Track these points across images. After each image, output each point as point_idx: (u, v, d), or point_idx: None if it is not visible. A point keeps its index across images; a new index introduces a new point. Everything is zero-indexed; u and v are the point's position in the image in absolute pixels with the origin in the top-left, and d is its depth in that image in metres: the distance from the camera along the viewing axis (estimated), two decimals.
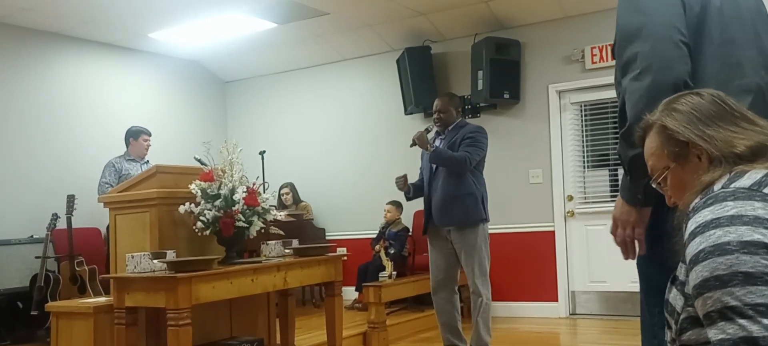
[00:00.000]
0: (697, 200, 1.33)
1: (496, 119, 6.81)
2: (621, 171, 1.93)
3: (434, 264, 4.60)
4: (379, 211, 7.06)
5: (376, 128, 7.62)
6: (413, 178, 4.75)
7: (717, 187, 1.32)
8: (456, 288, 4.63)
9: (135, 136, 6.30)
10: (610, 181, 6.45)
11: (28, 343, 5.53)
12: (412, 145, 4.57)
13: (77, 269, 5.75)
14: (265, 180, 6.68)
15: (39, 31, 6.66)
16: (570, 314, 6.54)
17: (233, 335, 4.32)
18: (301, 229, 6.69)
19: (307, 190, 7.78)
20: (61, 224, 5.93)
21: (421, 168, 4.78)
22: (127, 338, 3.66)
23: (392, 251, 6.60)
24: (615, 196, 1.98)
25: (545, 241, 6.60)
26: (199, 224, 3.86)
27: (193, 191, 3.90)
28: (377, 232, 7.03)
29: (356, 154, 7.73)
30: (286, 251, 4.45)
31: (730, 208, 1.25)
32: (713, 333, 1.20)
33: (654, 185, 1.52)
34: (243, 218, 3.94)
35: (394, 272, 6.12)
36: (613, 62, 1.98)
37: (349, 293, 6.90)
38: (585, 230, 6.45)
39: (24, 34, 6.58)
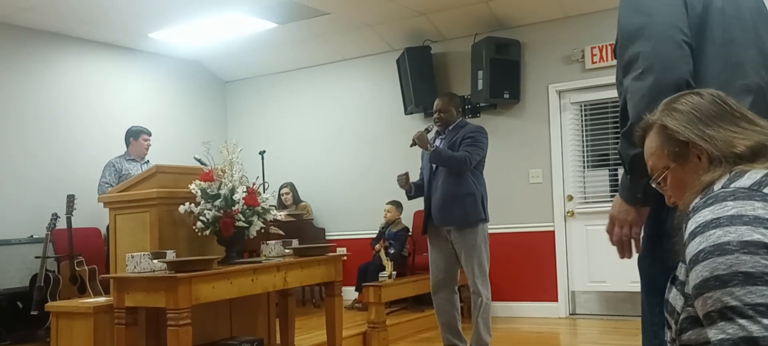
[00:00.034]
0: (697, 200, 1.33)
1: (496, 119, 6.81)
2: (621, 171, 1.93)
3: (434, 264, 4.60)
4: (379, 211, 7.06)
5: (376, 128, 7.62)
6: (414, 178, 4.75)
7: (717, 187, 1.32)
8: (456, 288, 4.63)
9: (135, 136, 6.30)
10: (610, 181, 6.45)
11: (28, 343, 5.53)
12: (412, 145, 4.57)
13: (77, 269, 5.75)
14: (265, 180, 6.68)
15: (39, 31, 6.66)
16: (570, 314, 6.54)
17: (233, 335, 4.32)
18: (301, 229, 6.69)
19: (307, 190, 7.78)
20: (61, 224, 5.93)
21: (421, 168, 4.78)
22: (127, 338, 3.66)
23: (392, 251, 6.60)
24: (615, 196, 1.97)
25: (545, 241, 6.60)
26: (199, 224, 3.86)
27: (193, 191, 3.90)
28: (377, 232, 7.03)
29: (356, 154, 7.73)
30: (286, 251, 4.45)
31: (730, 208, 1.25)
32: (713, 333, 1.20)
33: (654, 185, 1.52)
34: (243, 218, 3.94)
35: (394, 272, 6.12)
36: (614, 62, 1.98)
37: (349, 293, 6.90)
38: (585, 230, 6.45)
39: (24, 34, 6.58)
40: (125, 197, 4.08)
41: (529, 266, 6.66)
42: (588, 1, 6.25)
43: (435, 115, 4.64)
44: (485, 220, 4.47)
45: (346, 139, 7.81)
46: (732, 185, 1.30)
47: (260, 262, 4.07)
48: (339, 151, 7.84)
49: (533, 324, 6.29)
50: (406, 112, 7.22)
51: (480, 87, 6.64)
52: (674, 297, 1.40)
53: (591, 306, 6.54)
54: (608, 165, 6.52)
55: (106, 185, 5.90)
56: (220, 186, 3.94)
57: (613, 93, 6.12)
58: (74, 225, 5.93)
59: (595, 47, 6.38)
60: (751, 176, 1.30)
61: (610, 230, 1.91)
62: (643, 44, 1.76)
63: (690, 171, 1.42)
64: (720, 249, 1.21)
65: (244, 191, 3.97)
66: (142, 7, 6.24)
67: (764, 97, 1.85)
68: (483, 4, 6.42)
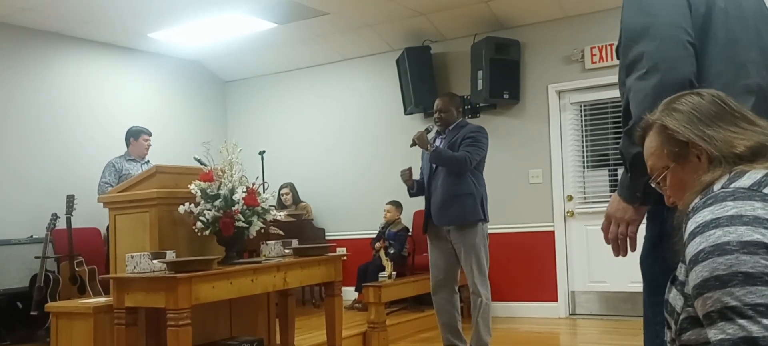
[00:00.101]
0: (696, 200, 1.33)
1: (495, 119, 6.81)
2: (621, 170, 1.93)
3: (434, 264, 4.60)
4: (379, 211, 7.06)
5: (376, 128, 7.62)
6: (416, 176, 4.75)
7: (717, 187, 1.32)
8: (456, 288, 4.63)
9: (135, 136, 6.30)
10: (610, 181, 6.46)
11: (28, 343, 5.52)
12: (412, 145, 4.57)
13: (77, 269, 5.75)
14: (265, 180, 6.68)
15: (39, 31, 6.66)
16: (570, 314, 6.54)
17: (233, 335, 4.32)
18: (300, 229, 6.69)
19: (307, 190, 7.78)
20: (61, 224, 5.93)
21: (421, 168, 4.78)
22: (127, 339, 3.66)
23: (392, 251, 6.60)
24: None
25: (545, 241, 6.60)
26: (198, 224, 3.86)
27: (192, 191, 3.90)
28: (377, 232, 7.03)
29: (356, 154, 7.73)
30: (286, 251, 4.45)
31: (730, 208, 1.25)
32: (713, 333, 1.20)
33: (653, 185, 1.52)
34: (243, 218, 3.94)
35: (394, 272, 6.12)
36: (613, 62, 1.99)
37: (349, 293, 6.89)
38: (585, 230, 6.45)
39: (24, 34, 6.58)
40: (125, 197, 4.08)
41: (528, 266, 6.66)
42: (588, 1, 6.25)
43: (435, 115, 4.64)
44: (485, 220, 4.47)
45: (346, 139, 7.81)
46: (732, 185, 1.30)
47: (260, 262, 4.07)
48: (339, 151, 7.84)
49: (533, 324, 6.29)
50: (406, 112, 7.22)
51: (480, 87, 6.64)
52: (674, 297, 1.40)
53: (591, 306, 6.54)
54: (608, 165, 6.52)
55: (106, 185, 5.90)
56: (219, 186, 3.94)
57: (612, 93, 6.12)
58: (74, 225, 5.93)
59: (594, 47, 6.38)
60: (750, 176, 1.30)
61: (605, 228, 1.91)
62: (647, 44, 1.77)
63: (690, 171, 1.42)
64: (720, 249, 1.21)
65: (243, 191, 3.97)
66: (142, 7, 6.24)
67: (766, 98, 1.85)
68: (483, 4, 6.42)
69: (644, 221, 1.92)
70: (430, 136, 4.64)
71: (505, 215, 6.53)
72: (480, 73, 6.63)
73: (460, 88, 6.79)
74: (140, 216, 3.99)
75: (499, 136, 6.53)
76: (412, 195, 4.76)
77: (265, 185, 6.02)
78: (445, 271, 4.55)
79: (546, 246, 6.59)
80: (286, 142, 8.09)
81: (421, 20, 6.82)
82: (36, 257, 5.76)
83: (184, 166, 4.43)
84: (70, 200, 5.97)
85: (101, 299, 4.37)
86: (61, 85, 6.85)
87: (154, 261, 3.68)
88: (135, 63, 7.56)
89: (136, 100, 7.51)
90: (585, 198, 6.57)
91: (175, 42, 7.33)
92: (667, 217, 1.55)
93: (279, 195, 7.61)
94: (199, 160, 5.20)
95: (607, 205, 1.93)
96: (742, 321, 1.16)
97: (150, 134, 6.37)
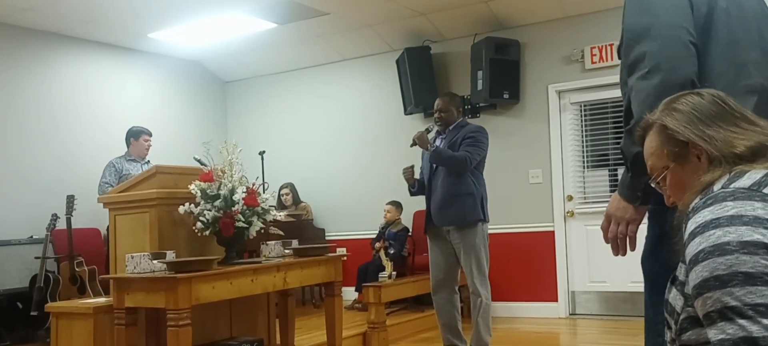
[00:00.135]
0: (696, 200, 1.33)
1: (495, 119, 6.81)
2: (621, 170, 1.93)
3: (434, 264, 4.60)
4: (379, 211, 7.06)
5: (376, 128, 7.61)
6: (417, 174, 4.75)
7: (717, 187, 1.32)
8: (456, 288, 4.63)
9: (135, 136, 6.30)
10: (610, 181, 6.46)
11: (28, 343, 5.52)
12: (412, 145, 4.57)
13: (77, 269, 5.75)
14: (265, 180, 6.68)
15: (39, 31, 6.66)
16: (570, 314, 6.54)
17: (233, 336, 4.32)
18: (300, 229, 6.69)
19: (307, 190, 7.78)
20: (61, 225, 5.93)
21: (421, 168, 4.78)
22: (127, 339, 3.66)
23: (392, 251, 6.60)
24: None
25: (545, 241, 6.60)
26: (198, 224, 3.86)
27: (192, 192, 3.90)
28: (377, 232, 7.03)
29: (356, 154, 7.73)
30: (286, 251, 4.45)
31: (730, 208, 1.25)
32: (713, 333, 1.20)
33: (653, 185, 1.52)
34: (243, 219, 3.94)
35: (394, 272, 6.12)
36: (613, 62, 1.99)
37: (349, 293, 6.89)
38: (585, 230, 6.45)
39: (24, 34, 6.58)
40: (125, 198, 4.08)
41: (529, 266, 6.66)
42: (588, 1, 6.25)
43: (435, 115, 4.64)
44: (484, 220, 4.47)
45: (346, 140, 7.81)
46: (732, 186, 1.30)
47: (260, 262, 4.07)
48: (339, 151, 7.84)
49: (533, 324, 6.29)
50: (406, 112, 7.22)
51: (480, 87, 6.64)
52: (674, 297, 1.40)
53: (591, 306, 6.54)
54: (608, 165, 6.52)
55: (106, 185, 5.90)
56: (219, 186, 3.94)
57: (613, 93, 6.13)
58: (74, 225, 5.93)
59: (594, 47, 6.38)
60: (750, 176, 1.30)
61: (605, 227, 1.91)
62: (649, 44, 1.77)
63: (690, 171, 1.42)
64: (720, 249, 1.21)
65: (243, 192, 3.97)
66: (142, 7, 6.24)
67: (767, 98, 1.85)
68: (483, 4, 6.42)
69: (645, 220, 1.92)
70: (431, 136, 4.64)
71: (505, 215, 6.53)
72: (480, 73, 6.63)
73: (460, 88, 6.79)
74: (140, 216, 3.99)
75: (499, 136, 6.53)
76: (412, 194, 4.76)
77: (265, 186, 6.02)
78: (445, 271, 4.55)
79: (546, 246, 6.59)
80: (286, 142, 8.09)
81: (421, 20, 6.82)
82: (36, 258, 5.76)
83: (184, 167, 4.44)
84: (70, 200, 5.97)
85: (101, 300, 4.37)
86: (61, 85, 6.85)
87: (154, 261, 3.68)
88: (135, 63, 7.56)
89: (136, 100, 7.51)
90: (585, 198, 6.57)
91: (175, 42, 7.33)
92: (667, 217, 1.56)
93: (279, 195, 7.61)
94: (199, 161, 5.20)
95: (607, 205, 1.93)
96: (742, 321, 1.16)
97: (150, 135, 6.36)
